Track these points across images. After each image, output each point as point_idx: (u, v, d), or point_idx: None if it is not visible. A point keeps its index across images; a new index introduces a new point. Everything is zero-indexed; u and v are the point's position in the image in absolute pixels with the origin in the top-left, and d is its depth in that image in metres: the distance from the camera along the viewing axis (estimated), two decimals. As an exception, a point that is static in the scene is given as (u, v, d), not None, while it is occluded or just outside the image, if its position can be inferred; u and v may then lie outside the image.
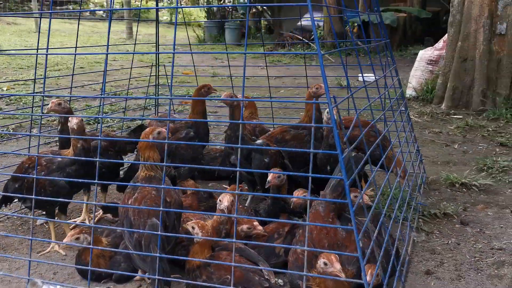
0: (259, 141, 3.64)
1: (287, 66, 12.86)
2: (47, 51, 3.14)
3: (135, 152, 4.17)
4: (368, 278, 2.48)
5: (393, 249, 2.80)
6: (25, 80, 9.57)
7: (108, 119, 6.56)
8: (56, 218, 3.42)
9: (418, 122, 6.78)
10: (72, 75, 4.37)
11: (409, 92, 8.29)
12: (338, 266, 2.40)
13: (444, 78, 7.59)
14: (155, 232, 2.45)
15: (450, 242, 3.32)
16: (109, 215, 3.71)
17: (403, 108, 4.44)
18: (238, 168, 2.38)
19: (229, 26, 20.69)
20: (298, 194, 3.06)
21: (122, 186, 3.79)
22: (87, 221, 3.69)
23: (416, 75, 8.32)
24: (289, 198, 3.29)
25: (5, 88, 10.37)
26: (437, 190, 4.34)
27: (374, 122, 3.25)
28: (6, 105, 8.41)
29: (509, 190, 4.31)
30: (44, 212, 3.83)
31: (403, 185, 3.55)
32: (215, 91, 4.03)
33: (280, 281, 2.81)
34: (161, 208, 2.44)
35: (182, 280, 2.60)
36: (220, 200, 2.87)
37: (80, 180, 2.87)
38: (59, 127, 3.56)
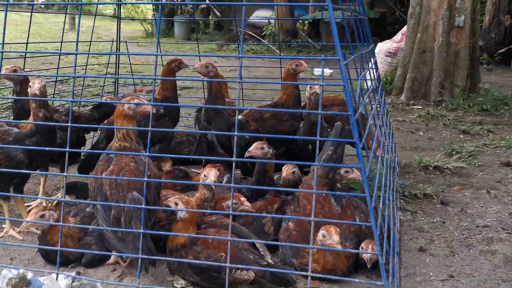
0: (239, 117, 3.41)
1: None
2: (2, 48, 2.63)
3: (98, 131, 3.82)
4: (367, 255, 2.34)
5: (385, 226, 2.66)
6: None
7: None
8: (10, 199, 3.02)
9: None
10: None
11: (369, 83, 8.32)
12: (336, 238, 2.24)
13: (403, 69, 7.67)
14: (139, 206, 2.15)
15: (435, 221, 3.25)
16: (68, 198, 3.34)
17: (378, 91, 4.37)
18: (234, 158, 2.14)
19: (179, 20, 20.19)
20: (287, 170, 2.86)
21: (84, 168, 3.43)
22: (44, 203, 3.30)
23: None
24: (276, 177, 3.10)
25: None
26: (411, 173, 4.29)
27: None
28: None
29: (480, 172, 4.34)
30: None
31: (379, 159, 3.45)
32: (186, 66, 3.75)
33: (270, 260, 2.60)
34: (145, 179, 2.15)
35: (169, 259, 2.32)
36: (205, 175, 2.62)
37: (47, 148, 2.49)
38: (13, 96, 3.15)
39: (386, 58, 8.30)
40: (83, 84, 6.41)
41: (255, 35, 18.46)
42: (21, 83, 3.13)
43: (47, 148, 2.48)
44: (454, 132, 5.83)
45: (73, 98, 2.71)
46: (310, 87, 3.42)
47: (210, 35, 21.70)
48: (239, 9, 20.71)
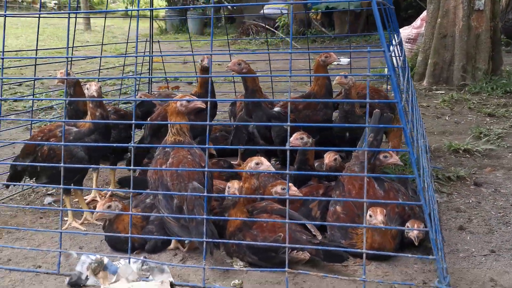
0: (277, 109, 3.58)
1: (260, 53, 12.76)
2: (2, 55, 2.77)
3: (142, 128, 4.01)
4: (414, 233, 2.49)
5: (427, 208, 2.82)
6: None
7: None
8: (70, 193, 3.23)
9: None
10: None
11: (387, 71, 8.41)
12: (380, 217, 2.41)
13: (424, 55, 7.73)
14: (201, 194, 2.35)
15: (471, 201, 3.39)
16: (119, 193, 3.54)
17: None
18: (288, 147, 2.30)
19: (192, 16, 20.35)
20: (329, 157, 3.02)
21: (136, 160, 3.63)
22: (98, 198, 3.52)
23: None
24: (317, 164, 3.26)
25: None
26: (441, 157, 4.42)
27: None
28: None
29: (510, 154, 4.45)
30: (49, 193, 3.66)
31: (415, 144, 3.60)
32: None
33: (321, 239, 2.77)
34: (206, 169, 2.33)
35: (232, 241, 2.50)
36: (228, 187, 2.70)
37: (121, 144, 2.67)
38: (67, 98, 3.35)
39: (406, 44, 8.36)
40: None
41: (268, 26, 18.55)
42: (74, 85, 3.33)
43: (115, 145, 2.69)
44: (479, 115, 5.91)
45: (120, 97, 2.91)
46: (343, 77, 3.56)
47: (223, 28, 21.86)
48: (250, 0, 20.77)
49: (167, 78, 5.73)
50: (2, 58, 2.64)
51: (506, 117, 5.76)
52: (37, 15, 3.24)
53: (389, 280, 2.38)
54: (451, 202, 3.38)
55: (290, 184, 2.81)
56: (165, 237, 2.61)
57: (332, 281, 2.36)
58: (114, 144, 2.69)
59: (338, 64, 11.83)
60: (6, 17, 2.61)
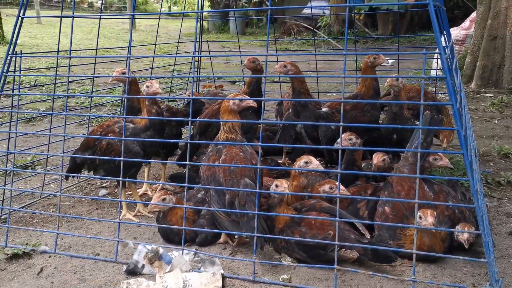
0: (324, 109, 3.62)
1: (297, 53, 12.83)
2: (70, 53, 2.94)
3: (192, 127, 4.13)
4: (465, 236, 2.48)
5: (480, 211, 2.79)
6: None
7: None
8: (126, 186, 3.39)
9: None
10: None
11: (434, 73, 8.26)
12: (430, 219, 2.41)
13: (472, 57, 7.56)
14: (254, 190, 2.43)
15: (522, 206, 3.32)
16: (168, 187, 3.68)
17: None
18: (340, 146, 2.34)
19: (233, 16, 20.54)
20: (378, 157, 3.04)
21: (183, 158, 3.76)
22: (149, 192, 3.67)
23: (442, 55, 8.30)
24: (364, 165, 3.28)
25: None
26: (491, 161, 4.34)
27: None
28: (29, 90, 8.33)
29: (562, 160, 4.32)
30: (103, 185, 3.83)
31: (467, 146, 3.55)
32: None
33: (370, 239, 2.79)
34: (258, 166, 2.41)
35: (281, 237, 2.57)
36: (276, 186, 2.76)
37: (170, 141, 2.79)
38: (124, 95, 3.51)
39: (454, 45, 8.18)
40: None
41: (309, 27, 18.48)
42: (130, 84, 3.48)
43: (172, 140, 2.80)
44: (530, 119, 5.75)
45: (192, 95, 3.01)
46: (395, 79, 3.56)
47: (264, 28, 21.94)
48: (292, 0, 20.71)
49: (214, 78, 5.85)
50: (69, 57, 2.80)
51: (559, 121, 5.58)
52: (98, 17, 3.40)
53: (439, 282, 2.38)
54: (501, 207, 3.33)
55: (337, 183, 2.85)
56: (217, 231, 2.70)
57: (380, 280, 2.39)
58: (170, 140, 2.81)
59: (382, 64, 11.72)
60: (52, 18, 2.78)
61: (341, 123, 2.29)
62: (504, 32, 7.17)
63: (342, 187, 2.83)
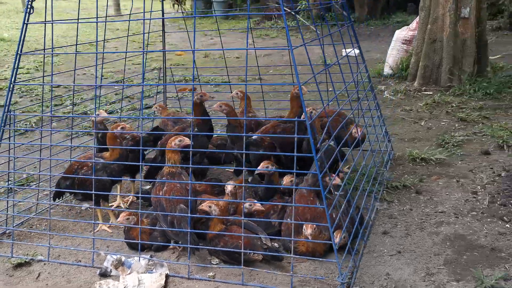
0: (254, 137, 4.58)
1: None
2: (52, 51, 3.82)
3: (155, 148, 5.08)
4: (336, 240, 3.49)
5: (358, 216, 3.79)
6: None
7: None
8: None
9: (392, 100, 7.74)
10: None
11: (386, 70, 9.19)
12: (308, 231, 3.42)
13: (416, 57, 8.49)
14: (185, 214, 3.43)
15: (405, 208, 4.33)
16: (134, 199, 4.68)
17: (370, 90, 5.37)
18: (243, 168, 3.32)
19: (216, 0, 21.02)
20: (287, 179, 4.03)
21: (148, 175, 4.73)
22: (122, 205, 4.67)
23: (393, 54, 9.21)
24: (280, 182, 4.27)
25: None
26: (401, 165, 5.32)
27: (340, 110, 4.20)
28: (20, 97, 9.23)
29: (460, 161, 5.30)
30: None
31: (370, 162, 4.53)
32: (208, 98, 4.80)
33: (276, 244, 3.81)
34: (189, 197, 3.41)
35: (206, 247, 3.59)
36: (226, 187, 3.80)
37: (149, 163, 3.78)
38: (99, 135, 4.48)
39: (403, 45, 9.09)
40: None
41: (289, 10, 19.06)
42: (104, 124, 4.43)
43: (132, 163, 3.77)
44: (453, 120, 6.71)
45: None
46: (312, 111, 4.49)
47: (247, 11, 22.45)
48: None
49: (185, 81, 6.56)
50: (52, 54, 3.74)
51: (476, 121, 6.54)
52: (76, 21, 4.30)
53: (315, 275, 3.39)
54: (389, 209, 4.33)
55: (255, 201, 3.86)
56: (165, 243, 3.72)
57: (275, 275, 3.41)
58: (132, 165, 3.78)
59: (348, 55, 12.53)
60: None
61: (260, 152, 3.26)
62: (442, 36, 8.09)
63: (258, 204, 3.84)
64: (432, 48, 8.17)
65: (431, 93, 7.95)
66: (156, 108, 5.69)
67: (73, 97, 6.23)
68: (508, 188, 4.49)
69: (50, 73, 4.37)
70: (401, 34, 9.16)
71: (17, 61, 3.90)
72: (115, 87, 9.54)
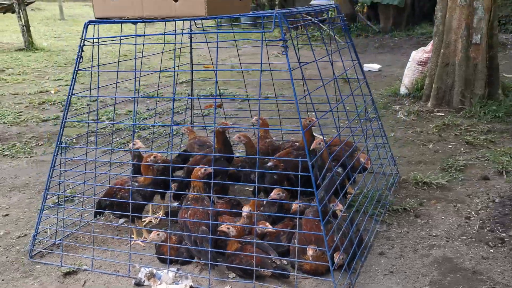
0: (269, 164, 5.18)
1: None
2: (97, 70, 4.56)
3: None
4: (335, 260, 4.05)
5: (357, 238, 4.34)
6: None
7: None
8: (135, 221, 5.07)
9: (405, 121, 8.20)
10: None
11: (402, 89, 9.64)
12: (310, 253, 3.99)
13: (430, 79, 8.92)
14: (206, 235, 4.06)
15: (402, 231, 4.83)
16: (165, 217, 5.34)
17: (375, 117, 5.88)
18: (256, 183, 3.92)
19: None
20: (295, 206, 4.61)
21: (177, 195, 5.40)
22: (153, 221, 5.34)
23: (408, 74, 9.65)
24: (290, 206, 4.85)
25: (52, 91, 12.09)
26: (405, 188, 5.80)
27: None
28: (60, 111, 10.06)
29: (460, 186, 5.75)
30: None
31: (374, 185, 5.06)
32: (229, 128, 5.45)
33: (285, 261, 4.38)
34: (210, 221, 4.04)
35: (223, 264, 4.22)
36: (243, 209, 4.41)
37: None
38: (135, 160, 5.18)
39: (418, 66, 9.52)
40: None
41: (314, 19, 19.53)
42: (139, 156, 5.11)
43: (161, 191, 4.43)
44: (460, 143, 7.11)
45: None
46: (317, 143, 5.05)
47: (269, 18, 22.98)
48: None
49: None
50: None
51: (481, 145, 6.93)
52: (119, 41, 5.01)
53: (316, 290, 3.96)
54: (388, 231, 4.85)
55: (267, 223, 4.46)
56: (189, 259, 4.36)
57: (283, 288, 4.01)
58: (161, 191, 4.45)
59: (369, 70, 13.00)
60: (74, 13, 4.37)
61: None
62: (454, 60, 8.50)
63: (270, 226, 4.44)
64: (445, 71, 8.59)
65: (443, 114, 8.36)
66: (184, 130, 6.37)
67: (114, 111, 6.91)
68: (498, 214, 4.95)
69: (89, 87, 5.10)
70: (416, 55, 9.59)
71: (68, 101, 4.62)
72: (147, 101, 10.31)
